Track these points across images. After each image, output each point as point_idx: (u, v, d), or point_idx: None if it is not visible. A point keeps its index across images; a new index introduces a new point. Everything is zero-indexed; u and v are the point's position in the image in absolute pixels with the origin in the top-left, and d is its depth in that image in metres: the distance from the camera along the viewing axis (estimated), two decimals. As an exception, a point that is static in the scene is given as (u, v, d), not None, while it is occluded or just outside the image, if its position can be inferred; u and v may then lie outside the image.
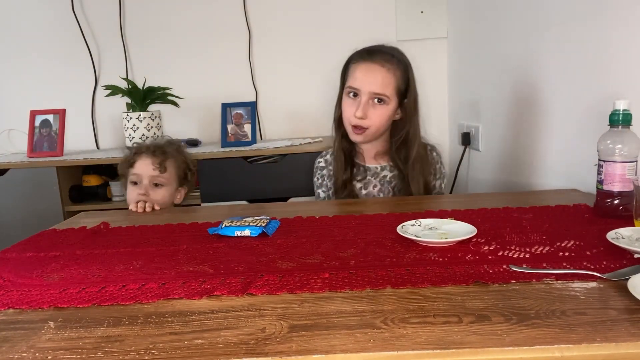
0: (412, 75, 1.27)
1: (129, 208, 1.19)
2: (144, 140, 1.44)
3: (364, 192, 1.32)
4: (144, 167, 1.30)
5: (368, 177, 1.33)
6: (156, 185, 1.30)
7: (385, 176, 1.32)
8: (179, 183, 1.37)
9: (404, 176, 1.29)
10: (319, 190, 1.39)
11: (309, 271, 0.67)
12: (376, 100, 1.23)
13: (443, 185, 1.39)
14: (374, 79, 1.22)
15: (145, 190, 1.28)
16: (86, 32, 2.28)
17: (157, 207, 1.18)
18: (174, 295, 0.61)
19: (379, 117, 1.24)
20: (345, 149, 1.32)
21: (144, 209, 1.17)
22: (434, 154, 1.35)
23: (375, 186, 1.32)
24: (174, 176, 1.35)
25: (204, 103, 2.32)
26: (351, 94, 1.25)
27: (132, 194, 1.28)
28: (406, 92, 1.26)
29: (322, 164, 1.40)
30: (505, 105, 1.60)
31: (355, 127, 1.25)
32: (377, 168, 1.33)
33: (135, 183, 1.30)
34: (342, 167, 1.31)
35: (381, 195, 1.32)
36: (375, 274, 0.65)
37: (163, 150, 1.34)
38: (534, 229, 0.82)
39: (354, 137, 1.27)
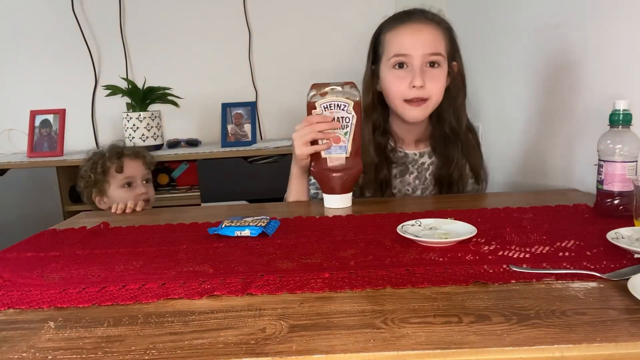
0: (455, 34, 1.13)
1: (120, 207, 1.15)
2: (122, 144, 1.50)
3: (398, 179, 1.19)
4: (137, 169, 1.36)
5: (406, 164, 1.19)
6: (146, 181, 1.38)
7: (423, 163, 1.19)
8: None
9: (448, 163, 1.16)
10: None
11: (309, 271, 0.67)
12: (429, 64, 1.07)
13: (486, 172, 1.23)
14: (423, 39, 1.06)
15: (145, 189, 1.35)
16: (86, 32, 2.29)
17: (138, 208, 1.16)
18: (174, 295, 0.61)
19: (438, 83, 1.08)
20: (381, 143, 1.15)
21: (124, 210, 1.14)
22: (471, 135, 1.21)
23: (411, 173, 1.19)
24: (150, 173, 1.43)
25: (204, 103, 2.33)
26: (397, 66, 1.08)
27: (129, 196, 1.31)
28: (453, 55, 1.12)
29: None
30: (505, 106, 1.60)
31: (411, 101, 1.08)
32: (415, 155, 1.19)
33: (128, 185, 1.34)
34: (380, 166, 1.15)
35: (417, 182, 1.20)
36: (375, 274, 0.65)
37: (140, 151, 1.42)
38: (534, 229, 0.82)
39: (413, 113, 1.09)
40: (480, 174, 1.21)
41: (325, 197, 1.06)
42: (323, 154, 1.03)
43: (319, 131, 1.00)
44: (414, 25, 1.08)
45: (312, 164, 1.06)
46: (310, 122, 1.01)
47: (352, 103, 1.00)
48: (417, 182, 1.21)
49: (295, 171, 1.12)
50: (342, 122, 1.01)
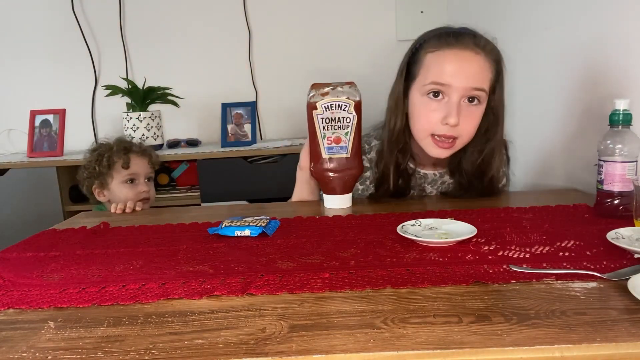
0: (503, 64, 1.01)
1: (120, 207, 1.15)
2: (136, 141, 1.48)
3: (417, 199, 1.14)
4: (142, 166, 1.35)
5: (424, 185, 1.13)
6: (148, 179, 1.37)
7: (444, 182, 1.14)
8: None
9: (463, 188, 1.09)
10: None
11: (309, 271, 0.67)
12: (468, 99, 0.97)
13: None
14: (469, 71, 0.95)
15: (147, 187, 1.34)
16: (86, 32, 2.29)
17: (138, 208, 1.17)
18: (174, 295, 0.61)
19: (472, 122, 0.98)
20: (400, 164, 1.07)
21: (124, 210, 1.15)
22: (505, 154, 1.12)
23: (431, 193, 1.15)
24: (153, 171, 1.43)
25: (204, 103, 2.33)
26: (431, 94, 0.98)
27: (131, 192, 1.31)
28: (495, 87, 1.01)
29: (365, 163, 1.11)
30: (505, 106, 1.60)
31: (440, 137, 0.99)
32: (435, 175, 1.13)
33: (131, 181, 1.33)
34: (400, 190, 1.08)
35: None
36: (375, 274, 0.65)
37: (147, 149, 1.42)
38: (534, 229, 0.82)
39: (437, 151, 1.00)
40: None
41: (325, 197, 1.06)
42: (324, 154, 1.03)
43: None
44: (461, 53, 0.95)
45: (312, 164, 1.06)
46: None
47: (353, 103, 1.00)
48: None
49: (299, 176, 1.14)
50: (343, 122, 1.01)
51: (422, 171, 1.13)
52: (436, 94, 0.98)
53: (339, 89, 1.01)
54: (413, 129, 1.04)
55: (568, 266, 0.64)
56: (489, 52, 0.98)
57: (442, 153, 1.02)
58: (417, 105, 1.01)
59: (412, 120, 1.04)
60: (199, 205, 1.92)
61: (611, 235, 0.71)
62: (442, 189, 1.15)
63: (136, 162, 1.35)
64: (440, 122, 0.97)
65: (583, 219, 0.88)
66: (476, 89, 0.96)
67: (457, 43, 0.96)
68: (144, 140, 2.04)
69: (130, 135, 2.03)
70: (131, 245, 0.84)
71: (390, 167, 1.07)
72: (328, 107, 1.00)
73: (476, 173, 1.07)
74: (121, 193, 1.31)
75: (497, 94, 1.02)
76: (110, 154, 1.34)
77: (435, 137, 1.00)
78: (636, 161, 0.86)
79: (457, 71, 0.95)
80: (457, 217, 0.87)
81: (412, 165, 1.12)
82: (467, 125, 0.98)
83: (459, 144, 1.01)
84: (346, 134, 1.01)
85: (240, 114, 2.19)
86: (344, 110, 1.00)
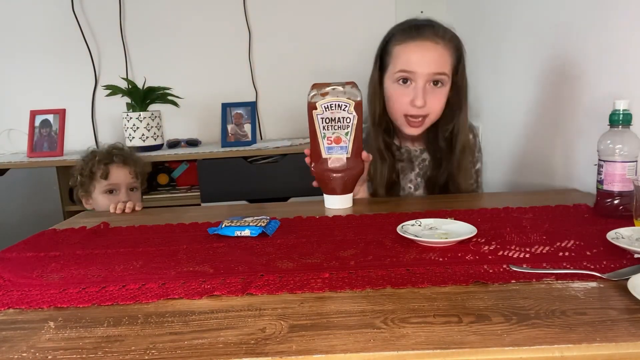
0: (463, 49, 1.15)
1: (119, 207, 1.16)
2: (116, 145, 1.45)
3: (400, 176, 1.23)
4: (122, 176, 1.34)
5: (410, 161, 1.23)
6: (131, 189, 1.35)
7: (424, 160, 1.23)
8: (142, 184, 1.42)
9: (440, 164, 1.20)
10: None
11: (309, 271, 0.67)
12: (432, 83, 1.10)
13: (480, 176, 1.26)
14: (430, 59, 1.08)
15: (128, 197, 1.32)
16: (86, 32, 2.29)
17: (138, 208, 1.18)
18: (174, 295, 0.61)
19: (438, 102, 1.12)
20: (387, 144, 1.19)
21: (123, 210, 1.16)
22: (472, 136, 1.23)
23: (413, 170, 1.23)
24: (141, 179, 1.41)
25: (204, 103, 2.33)
26: (401, 81, 1.11)
27: (110, 202, 1.28)
28: (457, 68, 1.14)
29: None
30: (506, 106, 1.60)
31: (411, 117, 1.12)
32: (416, 151, 1.24)
33: (110, 192, 1.32)
34: (390, 167, 1.18)
35: (418, 179, 1.23)
36: (375, 274, 0.65)
37: (132, 158, 1.39)
38: (534, 229, 0.82)
39: (410, 130, 1.14)
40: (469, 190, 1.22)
41: (326, 197, 1.06)
42: (324, 154, 1.03)
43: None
44: (422, 44, 1.09)
45: (312, 164, 1.06)
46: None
47: (353, 103, 1.00)
48: (418, 179, 1.24)
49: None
50: (343, 122, 1.01)
51: (405, 147, 1.24)
52: (405, 80, 1.11)
53: (340, 89, 1.01)
54: (389, 111, 1.17)
55: (568, 266, 0.64)
56: (449, 40, 1.11)
57: (415, 131, 1.15)
58: (390, 91, 1.14)
59: (388, 105, 1.17)
60: (199, 205, 1.92)
61: (611, 235, 0.71)
62: (423, 168, 1.24)
63: (116, 173, 1.33)
64: (410, 104, 1.10)
65: (583, 219, 0.88)
66: (438, 73, 1.10)
67: (418, 35, 1.10)
68: (144, 140, 2.04)
69: (130, 135, 2.03)
70: (131, 245, 0.84)
71: (379, 145, 1.18)
72: (328, 107, 1.00)
73: (448, 146, 1.19)
74: (102, 203, 1.31)
75: (460, 74, 1.16)
76: (92, 163, 1.33)
77: (408, 117, 1.13)
78: (636, 161, 0.86)
79: (420, 60, 1.09)
80: (457, 217, 0.87)
81: (397, 143, 1.24)
82: (433, 105, 1.12)
83: (428, 122, 1.14)
84: (346, 134, 1.01)
85: (240, 114, 2.20)
86: (344, 110, 1.00)
